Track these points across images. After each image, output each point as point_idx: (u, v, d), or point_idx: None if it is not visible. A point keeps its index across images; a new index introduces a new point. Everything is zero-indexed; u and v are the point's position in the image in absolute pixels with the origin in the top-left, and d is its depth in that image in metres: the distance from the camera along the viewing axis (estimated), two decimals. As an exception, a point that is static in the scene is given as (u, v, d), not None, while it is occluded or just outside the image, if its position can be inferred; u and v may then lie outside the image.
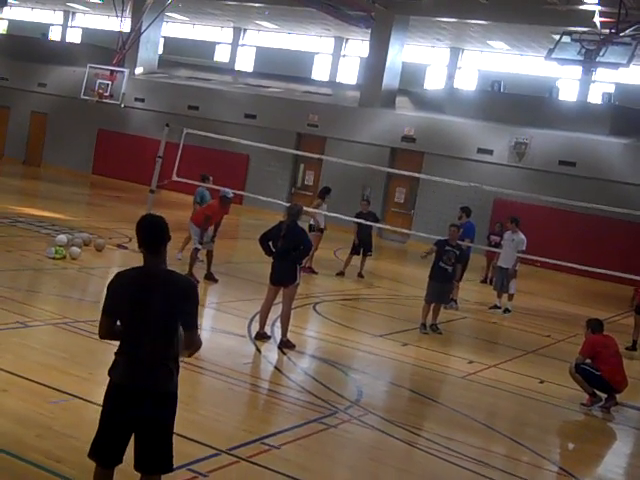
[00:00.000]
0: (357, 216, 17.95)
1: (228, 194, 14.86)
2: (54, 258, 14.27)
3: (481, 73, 35.97)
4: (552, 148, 26.19)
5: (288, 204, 13.75)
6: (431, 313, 13.40)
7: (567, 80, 34.02)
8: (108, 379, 4.99)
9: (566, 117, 26.78)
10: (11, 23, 47.18)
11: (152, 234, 4.97)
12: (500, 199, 25.79)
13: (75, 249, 14.87)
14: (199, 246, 14.63)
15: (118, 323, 5.01)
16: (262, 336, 10.98)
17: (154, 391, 4.88)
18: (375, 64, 29.53)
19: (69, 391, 7.61)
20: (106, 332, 5.06)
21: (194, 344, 5.02)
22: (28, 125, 36.00)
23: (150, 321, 4.87)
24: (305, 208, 13.33)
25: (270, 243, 11.01)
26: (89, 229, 18.21)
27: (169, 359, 4.95)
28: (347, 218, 17.79)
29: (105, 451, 4.95)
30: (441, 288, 13.38)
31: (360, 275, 18.08)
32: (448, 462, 7.48)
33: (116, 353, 5.00)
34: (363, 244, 18.12)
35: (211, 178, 17.08)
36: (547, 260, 17.72)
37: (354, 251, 18.14)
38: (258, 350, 10.59)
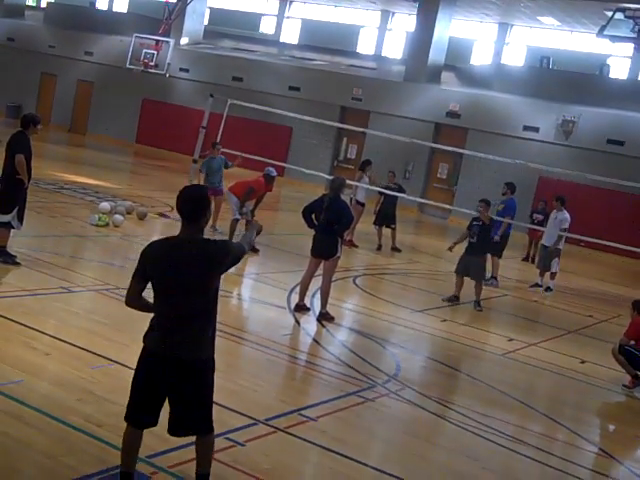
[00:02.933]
0: (385, 188, 17.86)
1: (272, 172, 14.87)
2: (97, 225, 14.42)
3: (530, 49, 35.38)
4: (600, 127, 25.75)
5: (330, 177, 13.73)
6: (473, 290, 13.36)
7: (618, 58, 33.31)
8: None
9: (616, 95, 26.29)
10: (59, -8, 47.47)
11: (190, 204, 4.94)
12: (545, 177, 25.47)
13: (118, 217, 15.01)
14: (238, 216, 14.67)
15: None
16: (301, 308, 11.00)
17: (187, 358, 4.90)
18: (421, 39, 29.21)
19: (110, 357, 7.69)
20: (132, 298, 5.07)
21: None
22: (74, 93, 36.35)
23: (185, 287, 4.86)
24: (348, 181, 13.29)
25: (313, 216, 10.99)
26: (132, 197, 18.37)
27: (204, 326, 4.97)
28: (387, 192, 17.71)
29: (138, 413, 5.01)
30: (467, 261, 13.40)
31: (395, 249, 17.98)
32: (484, 438, 7.44)
33: (151, 320, 5.05)
34: (385, 216, 17.99)
35: (218, 146, 16.41)
36: (591, 240, 17.50)
37: (376, 222, 18.04)
38: (297, 322, 10.62)
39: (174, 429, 5.03)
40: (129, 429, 5.06)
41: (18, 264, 10.48)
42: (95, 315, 9.18)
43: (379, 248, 17.89)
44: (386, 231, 18.04)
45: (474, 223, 13.58)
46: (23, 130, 10.78)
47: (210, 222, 15.66)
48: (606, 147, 25.54)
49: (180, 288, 4.87)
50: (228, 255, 4.97)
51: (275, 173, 14.94)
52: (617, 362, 10.19)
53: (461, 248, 13.69)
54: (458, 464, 6.87)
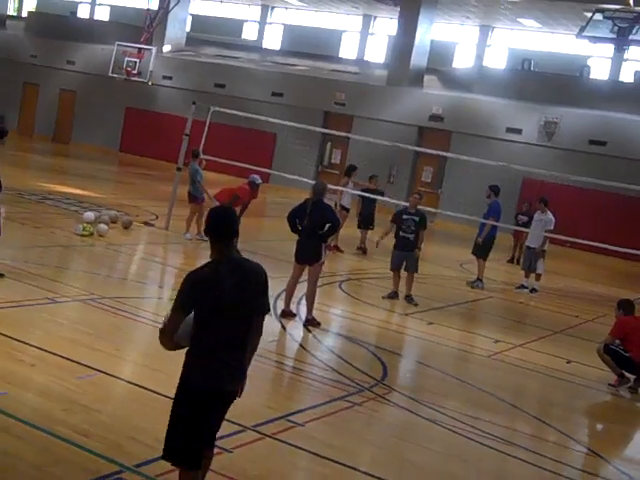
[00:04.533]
0: (364, 192, 17.92)
1: (257, 180, 14.86)
2: (82, 235, 14.36)
3: (511, 51, 35.57)
4: (582, 127, 25.89)
5: (314, 182, 13.72)
6: (405, 284, 13.34)
7: (599, 59, 33.54)
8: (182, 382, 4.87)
9: (597, 96, 26.44)
10: (40, 1, 47.30)
11: (224, 224, 4.85)
12: (529, 179, 25.56)
13: (102, 226, 14.95)
14: None
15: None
16: (287, 314, 10.98)
17: (232, 391, 4.94)
18: (403, 42, 29.29)
19: (96, 366, 7.66)
20: (172, 332, 4.77)
21: (260, 332, 5.02)
22: (57, 102, 36.20)
23: (242, 316, 4.79)
24: (331, 186, 13.32)
25: (297, 221, 10.98)
26: (116, 206, 18.31)
27: (244, 355, 4.95)
28: (372, 196, 17.76)
29: (196, 453, 4.85)
30: (403, 256, 13.34)
31: (361, 249, 18.03)
32: (473, 441, 7.45)
33: (198, 356, 4.79)
34: (366, 218, 18.08)
35: (200, 155, 16.42)
36: (576, 240, 17.52)
37: (360, 225, 18.16)
38: (283, 328, 10.60)
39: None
40: (189, 475, 4.92)
41: (2, 275, 10.42)
42: (80, 325, 9.14)
43: (364, 252, 17.93)
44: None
45: (407, 217, 13.33)
46: None
47: (196, 230, 15.64)
48: (588, 148, 25.68)
49: (239, 310, 4.78)
50: (267, 284, 4.99)
51: (260, 181, 14.95)
52: (603, 361, 10.23)
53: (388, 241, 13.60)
54: (449, 467, 6.88)
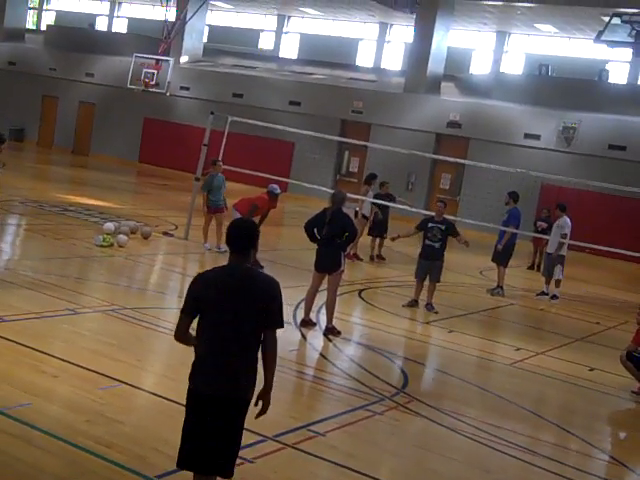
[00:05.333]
0: (375, 198, 17.88)
1: (276, 190, 14.87)
2: (102, 246, 14.44)
3: (528, 57, 35.46)
4: (601, 132, 25.77)
5: (333, 191, 13.72)
6: (427, 292, 13.32)
7: (617, 63, 33.36)
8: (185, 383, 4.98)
9: (616, 100, 26.33)
10: (58, 14, 47.80)
11: (238, 235, 4.97)
12: (547, 185, 25.47)
13: (122, 237, 15.03)
14: None
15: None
16: (307, 323, 10.99)
17: (235, 397, 4.86)
18: (420, 49, 29.29)
19: (118, 377, 7.69)
20: (183, 332, 4.92)
21: (275, 347, 4.96)
22: (76, 114, 36.48)
23: (235, 322, 4.81)
24: (351, 195, 13.33)
25: (315, 230, 10.99)
26: (136, 217, 18.40)
27: (251, 364, 4.92)
28: (391, 204, 17.75)
29: (202, 459, 4.87)
30: (429, 265, 13.27)
31: (379, 257, 18.04)
32: (495, 450, 7.42)
33: (196, 358, 4.94)
34: (378, 226, 18.03)
35: (219, 163, 16.42)
36: (596, 247, 17.45)
37: (371, 233, 18.07)
38: (304, 337, 10.60)
39: (201, 464, 4.89)
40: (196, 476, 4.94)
41: None
42: (102, 336, 9.18)
43: (372, 259, 17.93)
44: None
45: (432, 225, 13.28)
46: None
47: (215, 242, 15.69)
48: (608, 153, 25.55)
49: (233, 321, 4.81)
50: (275, 299, 4.92)
51: (279, 191, 14.97)
52: (625, 369, 10.16)
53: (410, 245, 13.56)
54: (471, 477, 6.85)
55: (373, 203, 17.86)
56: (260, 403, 5.00)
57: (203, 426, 4.84)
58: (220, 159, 16.75)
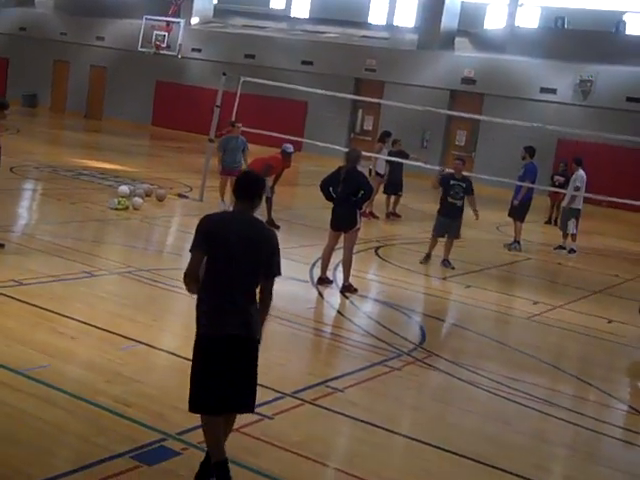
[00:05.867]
0: (390, 155, 17.76)
1: (289, 149, 14.78)
2: (117, 209, 14.44)
3: (543, 10, 34.88)
4: (619, 84, 25.39)
5: (347, 150, 13.63)
6: (444, 248, 13.24)
7: (634, 14, 32.76)
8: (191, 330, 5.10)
9: (633, 52, 25.88)
10: (67, -22, 47.36)
11: (243, 185, 5.19)
12: (564, 139, 25.19)
13: (137, 200, 15.03)
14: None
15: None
16: (324, 281, 10.98)
17: (247, 337, 5.01)
18: (433, 5, 28.91)
19: (136, 338, 7.72)
20: (195, 269, 4.99)
21: (271, 293, 5.12)
22: (88, 79, 36.34)
23: (241, 265, 4.99)
24: (365, 153, 13.24)
25: (331, 189, 10.92)
26: (150, 180, 18.39)
27: (256, 305, 5.10)
28: (405, 161, 17.64)
29: (211, 399, 5.00)
30: (449, 223, 13.17)
31: (395, 214, 17.98)
32: (514, 402, 7.42)
33: (203, 303, 5.04)
34: (393, 184, 17.94)
35: (237, 125, 16.27)
36: (613, 199, 17.31)
37: (386, 190, 18.00)
38: (321, 295, 10.61)
39: (227, 404, 5.06)
40: (209, 419, 5.08)
41: (2, 246, 10.48)
42: (119, 297, 9.22)
43: (388, 216, 17.88)
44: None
45: (454, 183, 13.15)
46: None
47: (219, 197, 15.67)
48: (626, 105, 25.18)
49: (237, 263, 4.98)
50: (277, 249, 5.12)
51: (292, 149, 14.88)
52: (645, 320, 10.12)
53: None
54: (490, 429, 6.85)
55: (387, 161, 17.76)
56: None
57: (220, 368, 4.95)
58: (236, 121, 16.64)
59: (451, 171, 13.83)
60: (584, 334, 10.29)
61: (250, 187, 5.20)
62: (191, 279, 5.02)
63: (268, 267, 5.06)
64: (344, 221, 10.80)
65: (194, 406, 5.05)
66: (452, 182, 13.21)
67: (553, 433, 7.06)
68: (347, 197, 10.70)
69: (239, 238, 4.98)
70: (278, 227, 14.75)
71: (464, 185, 13.20)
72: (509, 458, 6.24)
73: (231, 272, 4.98)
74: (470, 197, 13.35)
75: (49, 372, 6.61)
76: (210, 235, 5.01)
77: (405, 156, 18.09)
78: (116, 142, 27.99)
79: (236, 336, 4.97)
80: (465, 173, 13.85)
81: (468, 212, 13.64)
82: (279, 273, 5.11)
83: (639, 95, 25.03)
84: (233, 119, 16.82)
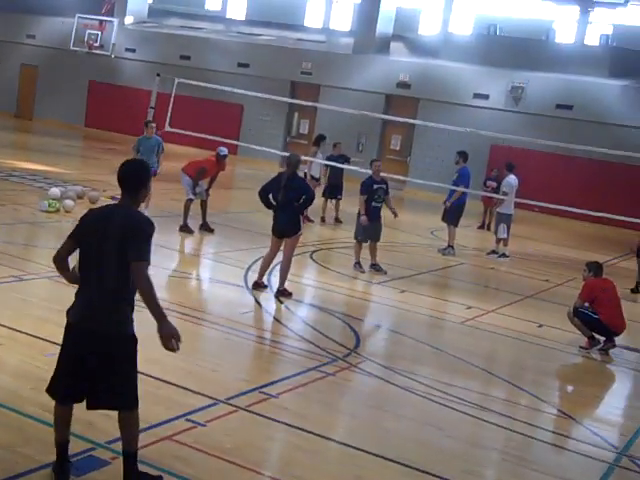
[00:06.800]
0: (328, 159, 17.84)
1: (223, 151, 14.68)
2: (47, 211, 14.14)
3: (476, 17, 35.40)
4: (549, 92, 25.93)
5: (283, 153, 13.62)
6: (370, 252, 13.25)
7: (564, 22, 33.52)
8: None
9: (563, 60, 26.49)
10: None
11: (122, 176, 5.05)
12: (497, 145, 25.59)
13: (68, 202, 14.73)
14: (192, 197, 14.46)
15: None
16: (259, 285, 10.88)
17: (104, 333, 4.91)
18: (369, 9, 29.11)
19: (65, 344, 7.54)
20: (59, 256, 5.10)
21: (141, 281, 4.81)
22: (18, 78, 35.53)
23: (103, 257, 4.90)
24: (303, 157, 13.22)
25: (270, 196, 10.79)
26: (82, 182, 18.05)
27: (121, 300, 4.95)
28: (339, 165, 17.68)
29: (61, 388, 5.06)
30: (375, 226, 13.20)
31: (337, 220, 18.02)
32: (448, 407, 7.47)
33: (76, 293, 5.11)
34: (332, 187, 17.98)
35: (152, 125, 15.54)
36: (545, 205, 17.64)
37: (325, 194, 18.02)
38: (256, 300, 10.53)
39: (94, 400, 5.02)
40: (57, 407, 5.13)
41: None
42: (48, 302, 9.00)
43: (323, 220, 17.89)
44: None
45: (377, 187, 13.13)
46: None
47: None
48: (556, 112, 25.72)
49: (102, 256, 4.90)
50: (135, 232, 4.88)
51: (226, 151, 14.78)
52: (573, 325, 10.30)
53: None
54: (424, 434, 6.89)
55: (325, 165, 17.77)
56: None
57: (77, 360, 4.95)
58: (152, 120, 16.18)
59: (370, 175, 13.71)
60: (515, 338, 10.44)
61: (129, 178, 5.04)
62: (56, 264, 5.15)
63: (129, 251, 4.82)
64: (287, 227, 10.68)
65: (47, 390, 5.13)
66: (375, 186, 13.20)
67: (485, 438, 7.12)
68: (289, 203, 10.57)
69: (108, 231, 4.89)
70: (212, 230, 14.65)
71: (384, 187, 13.28)
72: (441, 463, 6.28)
73: (90, 266, 4.94)
74: (387, 197, 13.39)
75: (-26, 380, 6.41)
76: (84, 226, 5.01)
77: (346, 159, 18.17)
78: (47, 143, 27.43)
79: (98, 331, 4.90)
80: (401, 177, 13.95)
81: (401, 216, 13.70)
82: (139, 257, 4.82)
83: (568, 102, 25.59)
84: (167, 122, 16.61)
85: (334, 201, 18.08)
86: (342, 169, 17.88)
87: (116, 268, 4.88)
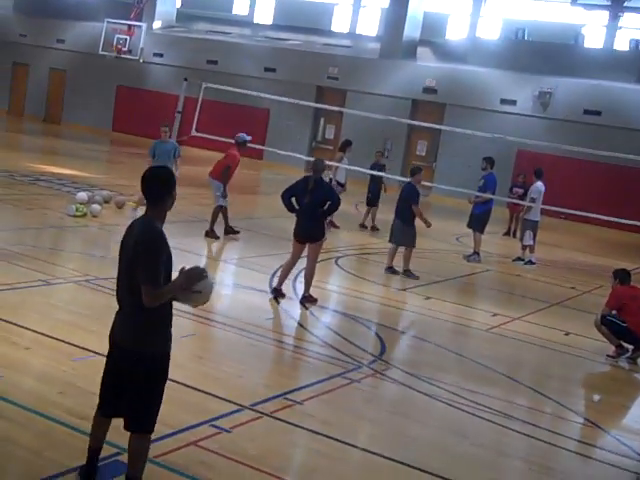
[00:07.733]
0: (372, 168, 18.04)
1: (243, 137, 14.57)
2: (75, 216, 14.25)
3: (504, 21, 35.28)
4: (577, 97, 25.75)
5: (308, 158, 13.61)
6: (403, 259, 13.32)
7: (593, 27, 33.29)
8: None
9: (592, 65, 26.30)
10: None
11: (146, 184, 4.91)
12: (523, 150, 25.45)
13: (96, 206, 14.85)
14: (223, 202, 14.30)
15: None
16: (278, 292, 10.73)
17: (124, 347, 4.88)
18: (396, 14, 29.07)
19: (91, 348, 7.58)
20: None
21: (151, 301, 4.69)
22: (47, 82, 35.91)
23: (122, 273, 4.91)
24: (327, 162, 13.21)
25: (293, 199, 10.69)
26: (109, 186, 18.19)
27: (146, 316, 4.78)
28: (366, 171, 17.73)
29: (100, 398, 5.11)
30: (413, 233, 13.33)
31: (374, 228, 18.05)
32: (472, 415, 7.43)
33: None
34: (374, 195, 18.14)
35: (164, 129, 15.65)
36: (572, 212, 17.52)
37: (367, 202, 18.24)
38: (280, 305, 10.54)
39: (125, 420, 5.01)
40: (96, 416, 5.17)
41: None
42: (75, 307, 9.07)
43: (365, 227, 18.04)
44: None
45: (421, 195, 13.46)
46: None
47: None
48: (583, 118, 25.55)
49: (120, 270, 4.92)
50: (139, 250, 4.73)
51: (247, 137, 14.65)
52: (600, 333, 10.21)
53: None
54: (447, 442, 6.86)
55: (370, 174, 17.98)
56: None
57: (110, 373, 5.00)
58: (165, 124, 16.11)
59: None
60: (542, 346, 10.37)
61: (152, 186, 4.89)
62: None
63: (139, 273, 4.71)
64: (311, 232, 10.58)
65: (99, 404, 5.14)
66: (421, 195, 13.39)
67: (509, 446, 7.08)
68: (314, 208, 10.48)
69: (125, 244, 4.89)
70: (238, 232, 14.64)
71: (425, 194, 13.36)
72: (466, 471, 6.25)
73: (118, 280, 4.95)
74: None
75: (2, 383, 6.47)
76: (121, 241, 4.99)
77: (381, 167, 18.34)
78: (75, 147, 27.68)
79: (119, 346, 4.92)
80: (427, 183, 13.94)
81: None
82: (146, 281, 4.66)
83: (596, 108, 25.39)
84: (194, 126, 16.66)
85: (372, 208, 18.15)
86: (381, 177, 18.05)
87: (128, 282, 4.81)
